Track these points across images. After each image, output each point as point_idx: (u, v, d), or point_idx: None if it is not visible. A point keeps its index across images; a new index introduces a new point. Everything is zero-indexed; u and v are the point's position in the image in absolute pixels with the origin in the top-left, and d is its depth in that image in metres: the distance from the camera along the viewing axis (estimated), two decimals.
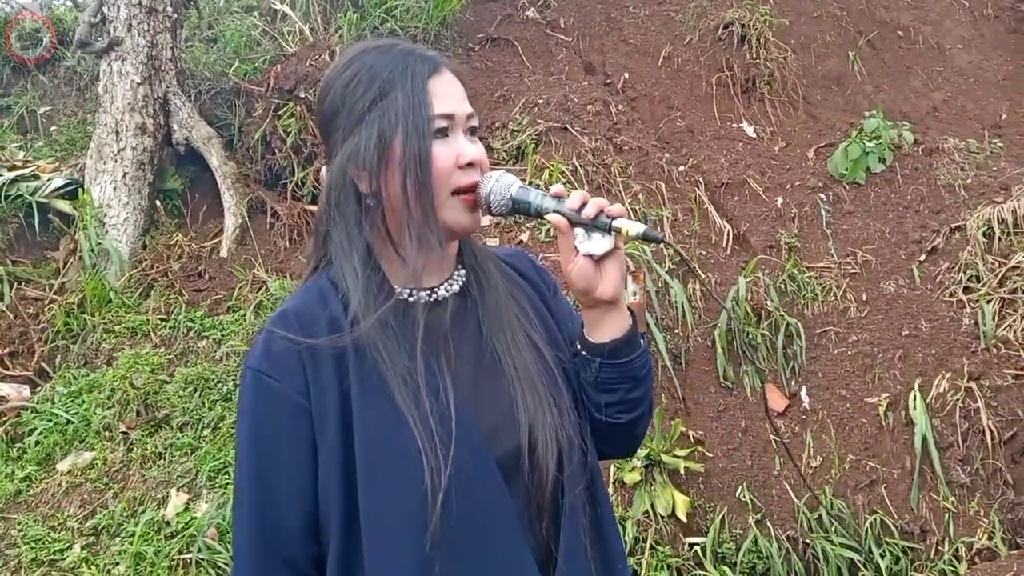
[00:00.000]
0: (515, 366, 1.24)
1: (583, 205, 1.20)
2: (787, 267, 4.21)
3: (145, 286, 4.59)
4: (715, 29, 5.52)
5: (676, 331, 3.99)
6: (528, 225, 4.36)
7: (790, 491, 3.48)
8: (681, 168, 4.77)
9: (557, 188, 1.23)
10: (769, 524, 3.39)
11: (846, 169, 4.66)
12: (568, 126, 4.76)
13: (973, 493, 3.36)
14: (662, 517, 3.30)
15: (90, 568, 3.03)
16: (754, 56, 5.32)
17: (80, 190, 4.77)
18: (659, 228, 4.36)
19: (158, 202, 4.91)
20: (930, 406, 3.55)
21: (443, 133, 1.19)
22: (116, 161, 4.77)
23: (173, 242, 4.80)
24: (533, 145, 4.64)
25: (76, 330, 4.34)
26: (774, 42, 5.46)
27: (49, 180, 5.01)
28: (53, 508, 3.32)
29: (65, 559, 3.09)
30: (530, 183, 4.45)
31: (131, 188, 4.78)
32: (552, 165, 4.45)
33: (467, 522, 1.12)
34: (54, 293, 4.55)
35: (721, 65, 5.42)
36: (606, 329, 1.25)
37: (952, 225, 4.31)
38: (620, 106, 5.13)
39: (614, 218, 1.19)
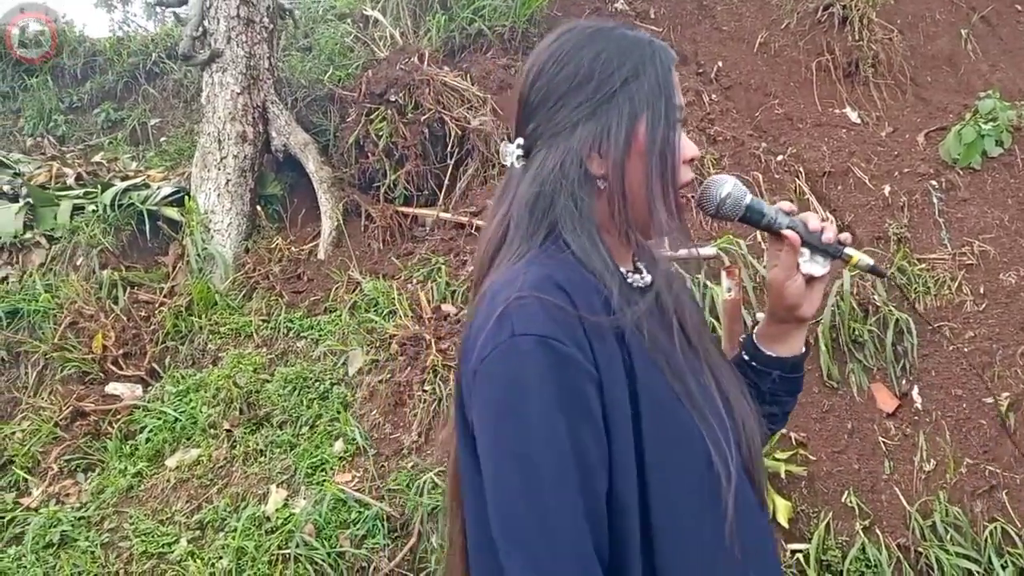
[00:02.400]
0: (715, 363, 1.22)
1: (822, 228, 1.23)
2: (896, 259, 3.98)
3: (248, 288, 4.76)
4: (814, 12, 5.29)
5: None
6: None
7: (901, 496, 3.29)
8: (780, 157, 4.59)
9: (786, 204, 1.26)
10: (878, 531, 3.21)
11: (959, 154, 4.37)
12: None
13: None
14: None
15: (195, 561, 3.14)
16: (857, 38, 5.06)
17: (187, 197, 4.98)
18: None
19: (259, 207, 5.07)
20: None
21: (682, 125, 1.19)
22: (219, 169, 4.95)
23: (273, 246, 4.96)
24: None
25: (184, 331, 4.54)
26: (878, 23, 5.18)
27: (158, 189, 5.27)
28: (162, 503, 3.47)
29: (172, 552, 3.21)
30: None
31: (234, 194, 4.96)
32: None
33: (741, 507, 1.10)
34: (164, 296, 4.77)
35: (821, 49, 5.19)
36: (792, 344, 1.31)
37: None
38: (714, 96, 4.98)
39: (844, 245, 1.24)
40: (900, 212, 4.27)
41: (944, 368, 3.62)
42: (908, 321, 3.74)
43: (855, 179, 4.48)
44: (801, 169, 4.53)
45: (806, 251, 1.23)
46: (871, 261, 1.23)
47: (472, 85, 5.08)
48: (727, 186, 1.24)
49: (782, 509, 3.18)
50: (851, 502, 3.27)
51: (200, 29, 4.88)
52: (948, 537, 3.12)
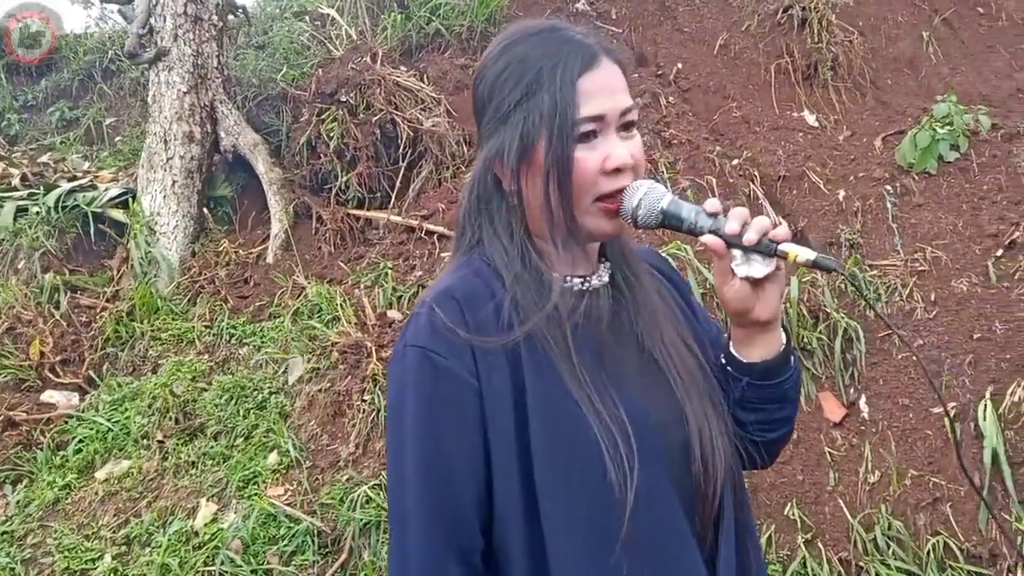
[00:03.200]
0: (676, 368, 1.19)
1: (743, 227, 1.11)
2: (848, 265, 3.92)
3: (193, 293, 4.66)
4: (774, 14, 5.23)
5: (726, 335, 3.77)
6: None
7: (844, 509, 3.22)
8: (735, 161, 4.53)
9: (712, 203, 1.16)
10: (820, 544, 3.14)
11: (915, 158, 4.32)
12: None
13: None
14: None
15: None
16: (816, 40, 5.01)
17: (131, 200, 4.86)
18: None
19: (207, 209, 4.96)
20: (1003, 417, 3.22)
21: (591, 136, 1.13)
22: (165, 170, 4.84)
23: (221, 249, 4.85)
24: None
25: (125, 338, 4.43)
26: (839, 24, 5.13)
27: (105, 190, 5.15)
28: (89, 516, 3.36)
29: (96, 568, 3.11)
30: None
31: (180, 196, 4.85)
32: None
33: (644, 517, 1.07)
34: (107, 301, 4.65)
35: (781, 51, 5.14)
36: (757, 348, 1.21)
37: None
38: (671, 98, 4.91)
39: (779, 242, 1.10)
40: (854, 217, 4.21)
41: (892, 377, 3.56)
42: (857, 328, 3.68)
43: (810, 183, 4.42)
44: (756, 173, 4.47)
45: (738, 253, 1.13)
46: (813, 255, 1.09)
47: (427, 85, 4.99)
48: (639, 192, 1.14)
49: None
50: (794, 514, 3.21)
51: (146, 27, 4.77)
52: (890, 551, 3.06)
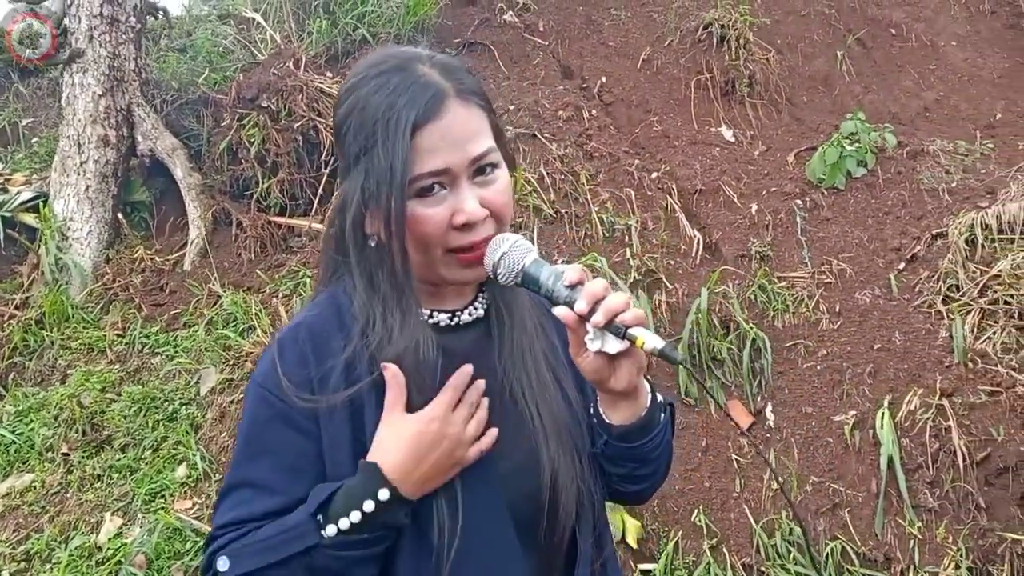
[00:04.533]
0: (538, 410, 1.19)
1: (593, 307, 1.07)
2: (757, 277, 4.04)
3: (106, 301, 4.54)
4: (695, 30, 5.36)
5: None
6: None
7: (749, 515, 3.32)
8: (654, 175, 4.62)
9: (573, 273, 1.10)
10: (725, 550, 3.23)
11: (824, 174, 4.48)
12: (537, 132, 4.63)
13: (941, 518, 3.17)
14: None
15: None
16: (733, 57, 5.15)
17: (42, 204, 4.72)
18: (627, 238, 4.23)
19: (121, 215, 4.85)
20: (899, 425, 3.36)
21: (433, 189, 1.10)
22: (79, 174, 4.72)
23: (136, 255, 4.74)
24: None
25: (34, 346, 4.30)
26: (756, 42, 5.29)
27: (17, 193, 4.98)
28: None
29: None
30: None
31: (94, 201, 4.73)
32: (519, 173, 4.32)
33: (466, 557, 1.08)
34: (15, 308, 4.51)
35: (701, 67, 5.27)
36: (617, 413, 1.19)
37: (934, 232, 4.11)
38: (594, 111, 4.99)
39: (628, 326, 1.07)
40: (765, 231, 4.34)
41: (796, 386, 3.68)
42: (765, 339, 3.79)
43: (725, 197, 4.54)
44: (674, 186, 4.57)
45: (592, 328, 1.09)
46: (661, 344, 1.07)
47: None
48: (502, 247, 1.12)
49: (631, 529, 3.18)
50: (700, 521, 3.29)
51: (60, 27, 4.64)
52: (790, 556, 3.16)
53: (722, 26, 5.21)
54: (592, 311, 1.07)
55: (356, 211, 1.13)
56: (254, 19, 5.59)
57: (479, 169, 1.13)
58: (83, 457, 3.50)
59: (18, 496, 3.38)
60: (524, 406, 1.19)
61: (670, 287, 4.03)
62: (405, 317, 1.13)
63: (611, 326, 1.07)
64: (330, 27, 5.36)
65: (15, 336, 4.27)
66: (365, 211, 1.12)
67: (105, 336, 4.24)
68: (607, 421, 1.20)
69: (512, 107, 4.81)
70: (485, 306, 1.24)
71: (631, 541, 3.17)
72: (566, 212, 4.25)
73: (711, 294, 3.91)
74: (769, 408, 3.66)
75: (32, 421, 3.72)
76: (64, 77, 4.80)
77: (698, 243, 4.28)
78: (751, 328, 3.83)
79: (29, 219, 4.84)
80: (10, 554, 3.15)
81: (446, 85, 1.12)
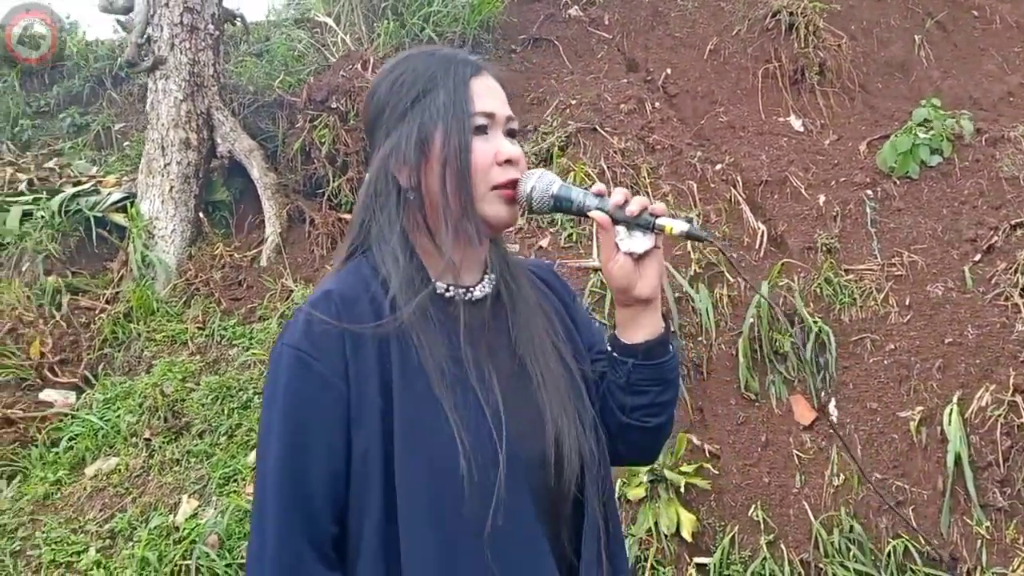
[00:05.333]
0: (543, 375, 1.26)
1: (626, 203, 1.22)
2: (823, 270, 3.95)
3: (188, 295, 4.78)
4: (763, 18, 5.26)
5: (699, 339, 3.83)
6: (551, 230, 4.28)
7: (808, 511, 3.27)
8: (718, 167, 4.57)
9: (599, 187, 1.26)
10: (782, 546, 3.19)
11: (895, 163, 4.34)
12: (598, 126, 4.64)
13: (1011, 518, 3.05)
14: (666, 536, 3.16)
15: (101, 571, 3.16)
16: (803, 45, 5.03)
17: (129, 204, 5.00)
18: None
19: (202, 214, 5.09)
20: (968, 421, 3.26)
21: (483, 130, 1.23)
22: (163, 175, 4.97)
23: (216, 252, 4.97)
24: (560, 147, 4.55)
25: (122, 338, 4.56)
26: (827, 28, 5.15)
27: (108, 194, 5.29)
28: (77, 511, 3.49)
29: (81, 561, 3.23)
30: None
31: (177, 201, 4.98)
32: (578, 167, 4.35)
33: (497, 515, 1.12)
34: (106, 303, 4.79)
35: (769, 56, 5.16)
36: (641, 329, 1.28)
37: (1013, 222, 3.95)
38: (657, 103, 4.96)
39: (657, 216, 1.21)
40: (833, 222, 4.24)
41: (862, 381, 3.60)
42: (829, 332, 3.71)
43: (791, 188, 4.46)
44: (738, 178, 4.51)
45: (621, 229, 1.22)
46: (686, 227, 1.20)
47: None
48: (532, 179, 1.24)
49: (686, 523, 3.17)
50: (757, 516, 3.26)
51: (144, 36, 4.90)
52: (850, 553, 3.10)
53: (791, 13, 5.10)
54: (624, 205, 1.22)
55: (412, 152, 1.21)
56: (327, 23, 5.77)
57: (510, 132, 1.26)
58: (164, 442, 3.71)
59: (104, 478, 3.61)
60: (532, 373, 1.26)
61: (732, 280, 3.99)
62: (423, 280, 1.22)
63: (641, 217, 1.21)
64: (398, 28, 5.48)
65: (105, 329, 4.54)
66: (418, 153, 1.21)
67: (187, 329, 4.46)
68: (629, 343, 1.29)
69: (574, 102, 4.84)
70: (494, 283, 1.31)
71: (686, 534, 3.16)
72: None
73: (774, 287, 3.86)
74: (833, 403, 3.59)
75: (119, 408, 3.96)
76: (148, 83, 5.06)
77: (762, 235, 4.21)
78: (816, 322, 3.76)
79: (119, 218, 5.13)
80: (96, 532, 3.37)
81: (480, 60, 1.29)
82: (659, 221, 1.21)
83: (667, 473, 3.21)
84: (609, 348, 1.32)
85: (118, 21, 5.03)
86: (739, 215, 4.31)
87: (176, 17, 4.86)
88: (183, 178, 4.98)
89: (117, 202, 5.22)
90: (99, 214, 5.10)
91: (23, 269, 4.92)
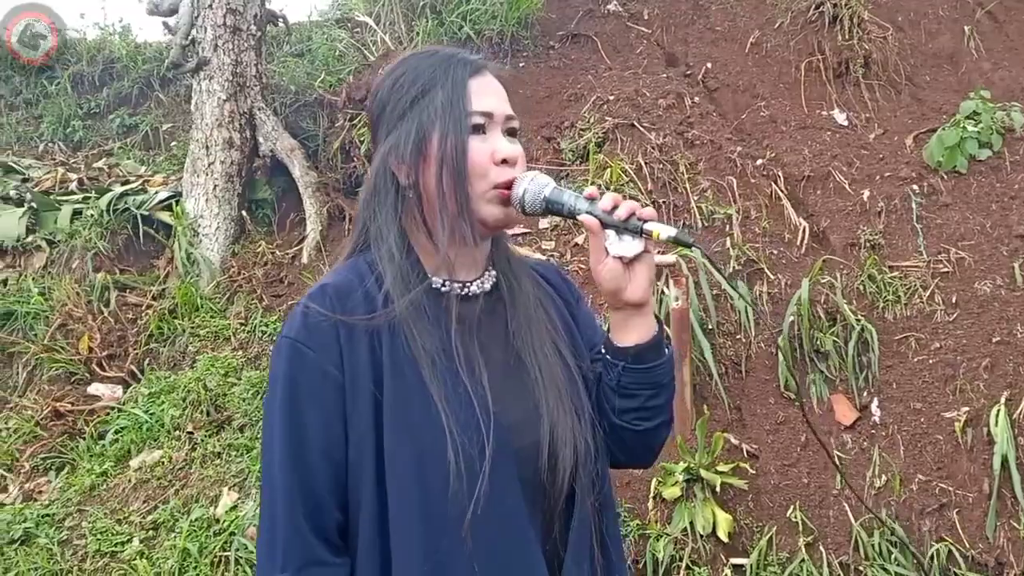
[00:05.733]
0: (540, 370, 1.27)
1: (615, 207, 1.22)
2: (866, 266, 3.87)
3: (231, 292, 4.86)
4: (806, 11, 5.16)
5: (738, 336, 3.78)
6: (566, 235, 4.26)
7: (849, 513, 3.20)
8: (759, 161, 4.50)
9: (590, 190, 1.26)
10: (822, 548, 3.13)
11: (942, 157, 4.23)
12: (635, 122, 4.61)
13: None
14: (701, 536, 3.13)
15: (144, 561, 3.24)
16: (847, 37, 4.93)
17: (174, 203, 5.11)
18: (727, 227, 4.14)
19: (245, 212, 5.17)
20: (1016, 423, 3.16)
21: (481, 130, 1.24)
22: (207, 174, 5.07)
23: (259, 250, 5.05)
24: (597, 144, 4.52)
25: (167, 334, 4.66)
26: (872, 20, 5.04)
27: (155, 193, 5.40)
28: (121, 502, 3.57)
29: (124, 552, 3.31)
30: (592, 183, 4.36)
31: (221, 199, 5.07)
32: (615, 164, 4.32)
33: (484, 504, 1.14)
34: (152, 299, 4.90)
35: (812, 49, 5.07)
36: (632, 333, 1.28)
37: None
38: (696, 98, 4.90)
39: (645, 221, 1.21)
40: (877, 218, 4.15)
41: (906, 380, 3.52)
42: (872, 331, 3.64)
43: (835, 183, 4.37)
44: (780, 173, 4.43)
45: (611, 233, 1.23)
46: (674, 232, 1.20)
47: None
48: (524, 182, 1.25)
49: (722, 523, 3.13)
50: (796, 517, 3.20)
51: (189, 38, 5.00)
52: (891, 557, 3.04)
53: (835, 5, 5.00)
54: (613, 210, 1.22)
55: (411, 151, 1.23)
56: (367, 22, 5.82)
57: (510, 131, 1.27)
58: (206, 436, 3.79)
59: (148, 470, 3.69)
60: (529, 367, 1.27)
61: (772, 277, 3.93)
62: (418, 274, 1.24)
63: (630, 222, 1.21)
64: (436, 26, 5.51)
65: (151, 324, 4.64)
66: (416, 152, 1.22)
67: (230, 325, 4.55)
68: (620, 345, 1.28)
69: (611, 97, 4.80)
70: (493, 281, 1.32)
71: (722, 535, 3.13)
72: (663, 202, 4.21)
73: (815, 284, 3.79)
74: (875, 403, 3.52)
75: (163, 402, 4.04)
76: (194, 84, 5.16)
77: (804, 232, 4.14)
78: (859, 320, 3.69)
79: (165, 217, 5.24)
80: (140, 523, 3.46)
81: (482, 59, 1.30)
82: (647, 226, 1.21)
83: (703, 472, 3.18)
84: (603, 350, 1.32)
85: (164, 24, 5.13)
86: (780, 211, 4.24)
87: (219, 19, 4.95)
88: (227, 177, 5.06)
89: (163, 201, 5.33)
90: (146, 212, 5.22)
91: (73, 266, 5.06)
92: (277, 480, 1.17)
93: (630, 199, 1.24)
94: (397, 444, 1.16)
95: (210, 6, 5.00)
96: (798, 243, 4.11)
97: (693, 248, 1.24)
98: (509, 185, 1.24)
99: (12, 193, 5.50)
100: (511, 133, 1.27)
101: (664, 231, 1.20)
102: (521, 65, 5.47)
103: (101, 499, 3.62)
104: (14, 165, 5.91)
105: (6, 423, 4.20)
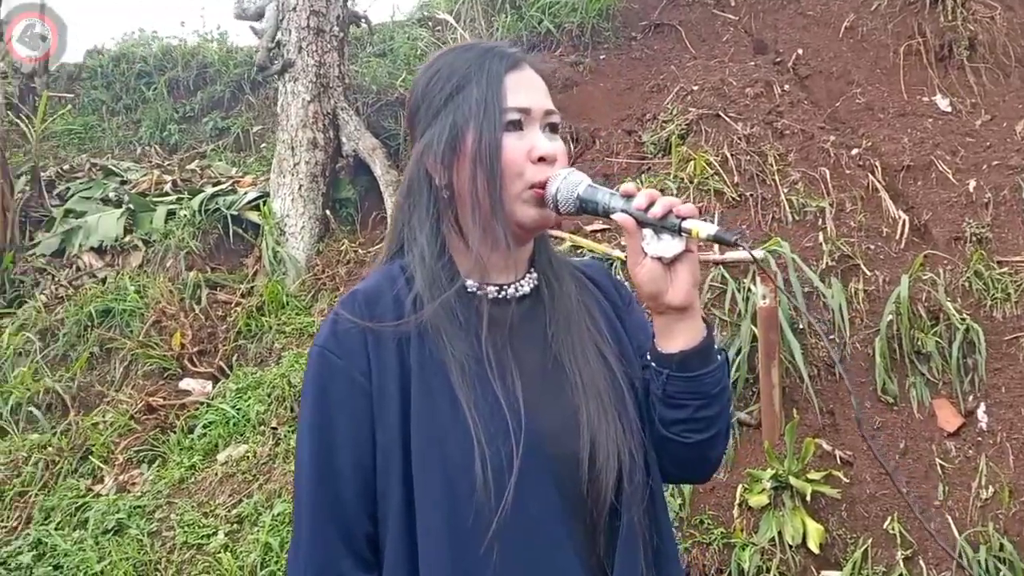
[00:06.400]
0: (581, 376, 1.21)
1: (651, 204, 1.15)
2: (973, 262, 3.62)
3: (316, 290, 4.94)
4: None
5: (831, 336, 3.59)
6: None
7: (952, 525, 3.00)
8: (853, 152, 4.27)
9: (627, 187, 1.19)
10: (921, 562, 2.94)
11: None
12: (720, 112, 4.44)
13: None
14: (790, 546, 2.98)
15: (228, 554, 3.30)
16: (950, 18, 4.63)
17: (262, 203, 5.22)
18: (820, 221, 3.94)
19: (329, 211, 5.24)
20: None
21: (517, 126, 1.19)
22: (293, 175, 5.16)
23: (342, 248, 5.11)
24: (680, 136, 4.38)
25: (255, 331, 4.77)
26: (979, 0, 4.72)
27: (245, 194, 5.55)
28: (208, 495, 3.66)
29: (210, 544, 3.39)
30: (675, 176, 4.23)
31: (306, 199, 5.16)
32: (699, 156, 4.18)
33: (512, 514, 1.09)
34: (241, 297, 5.03)
35: (912, 32, 4.79)
36: (677, 338, 1.20)
37: None
38: (786, 86, 4.70)
39: (684, 218, 1.13)
40: (984, 209, 3.88)
41: (1016, 384, 3.28)
42: (979, 331, 3.39)
43: (937, 173, 4.11)
44: (877, 163, 4.20)
45: (648, 232, 1.15)
46: (714, 230, 1.12)
47: None
48: (558, 180, 1.19)
49: (813, 533, 2.98)
50: (893, 528, 3.02)
51: (275, 41, 5.09)
52: (999, 574, 2.82)
53: None
54: (648, 207, 1.14)
55: (445, 149, 1.19)
56: (447, 20, 5.82)
57: (550, 126, 1.22)
58: (289, 431, 3.84)
59: (234, 464, 3.77)
60: (569, 372, 1.21)
61: (868, 274, 3.72)
62: (452, 277, 1.20)
63: (667, 220, 1.13)
64: (515, 21, 5.46)
65: (240, 321, 4.76)
66: (451, 150, 1.18)
67: (314, 322, 4.61)
68: (664, 352, 1.20)
69: (696, 87, 4.65)
70: (534, 284, 1.27)
71: (812, 546, 2.97)
72: (751, 195, 4.03)
73: (916, 281, 3.57)
74: (982, 409, 3.28)
75: (249, 398, 4.13)
76: (279, 86, 5.26)
77: (904, 225, 3.91)
78: (964, 319, 3.45)
79: (253, 216, 5.38)
80: (225, 516, 3.53)
81: (520, 52, 1.25)
82: (685, 223, 1.13)
83: (792, 480, 3.02)
84: (648, 357, 1.24)
85: (252, 27, 5.25)
86: (877, 203, 4.01)
87: (303, 21, 5.03)
88: (311, 177, 5.15)
89: (252, 201, 5.47)
90: (235, 212, 5.36)
91: (167, 265, 5.24)
92: (304, 488, 1.16)
93: (668, 196, 1.16)
94: (424, 451, 1.12)
95: (294, 9, 5.08)
96: (897, 237, 3.89)
97: (739, 247, 1.14)
98: (544, 184, 1.19)
99: (111, 195, 5.75)
100: (552, 129, 1.22)
101: (704, 229, 1.12)
102: (602, 57, 5.37)
103: (189, 492, 3.72)
104: (114, 168, 6.18)
105: (103, 416, 4.37)
